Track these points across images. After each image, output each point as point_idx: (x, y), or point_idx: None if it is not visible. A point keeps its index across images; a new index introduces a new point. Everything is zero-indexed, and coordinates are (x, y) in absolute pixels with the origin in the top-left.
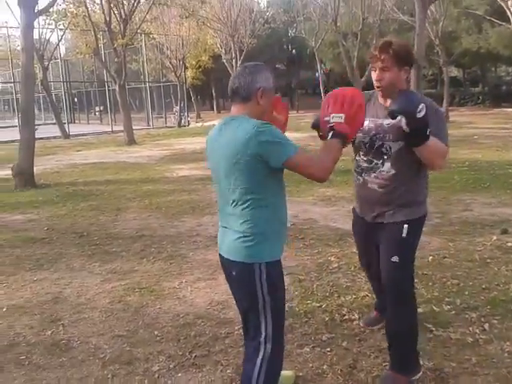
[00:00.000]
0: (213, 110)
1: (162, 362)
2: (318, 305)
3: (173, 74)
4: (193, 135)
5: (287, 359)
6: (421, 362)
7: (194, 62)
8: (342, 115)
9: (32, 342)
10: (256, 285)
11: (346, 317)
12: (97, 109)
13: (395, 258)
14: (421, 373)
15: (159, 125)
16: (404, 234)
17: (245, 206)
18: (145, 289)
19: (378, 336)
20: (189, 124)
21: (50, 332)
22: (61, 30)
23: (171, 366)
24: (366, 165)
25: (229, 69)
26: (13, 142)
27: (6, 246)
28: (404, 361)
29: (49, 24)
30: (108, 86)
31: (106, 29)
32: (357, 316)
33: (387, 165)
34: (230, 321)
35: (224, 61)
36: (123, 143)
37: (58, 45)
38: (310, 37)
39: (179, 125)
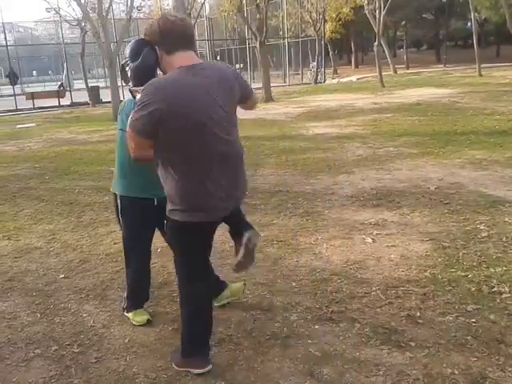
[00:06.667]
0: (350, 64)
1: (300, 313)
2: (464, 274)
3: (312, 28)
4: (329, 92)
5: (428, 326)
6: None
7: (333, 15)
8: None
9: None
10: None
11: (495, 289)
12: (237, 66)
13: None
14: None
15: (295, 82)
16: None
17: None
18: (282, 242)
19: None
20: (325, 80)
21: None
22: None
23: (308, 317)
24: None
25: (371, 20)
26: None
27: None
28: None
29: None
30: (248, 44)
31: None
32: (507, 289)
33: None
34: (368, 281)
35: (366, 12)
36: (261, 100)
37: (203, 3)
38: None
39: (315, 81)
